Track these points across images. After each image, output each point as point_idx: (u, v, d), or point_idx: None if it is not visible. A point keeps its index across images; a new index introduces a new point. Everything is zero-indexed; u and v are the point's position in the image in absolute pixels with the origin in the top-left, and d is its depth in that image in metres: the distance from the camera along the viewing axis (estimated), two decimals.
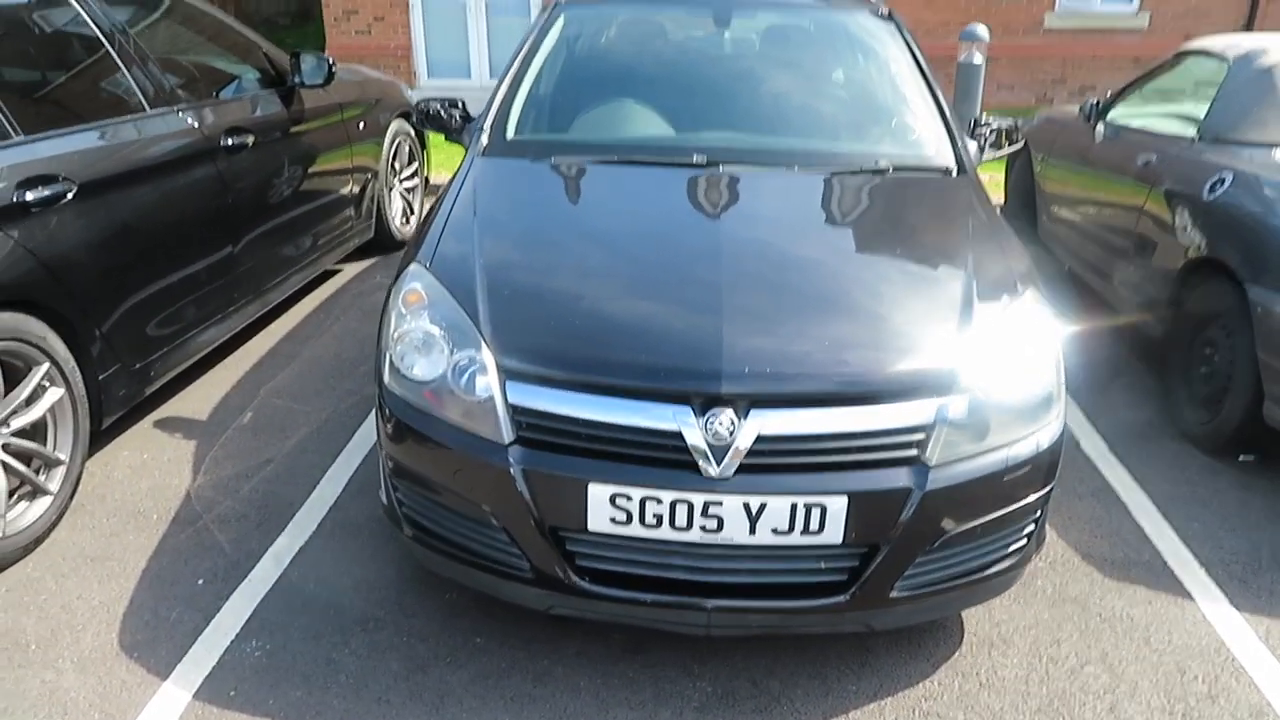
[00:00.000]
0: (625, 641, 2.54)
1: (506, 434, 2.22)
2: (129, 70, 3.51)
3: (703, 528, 2.15)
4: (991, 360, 2.29)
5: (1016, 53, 10.34)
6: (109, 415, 3.27)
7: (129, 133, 3.38)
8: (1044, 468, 2.33)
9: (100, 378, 3.17)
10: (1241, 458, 3.52)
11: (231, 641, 2.53)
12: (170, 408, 3.79)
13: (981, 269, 2.58)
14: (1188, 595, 2.80)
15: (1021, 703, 2.38)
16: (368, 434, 3.60)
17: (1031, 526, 2.40)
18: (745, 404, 2.14)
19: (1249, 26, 9.93)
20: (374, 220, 5.51)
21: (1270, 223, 3.29)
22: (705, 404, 2.14)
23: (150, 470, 3.35)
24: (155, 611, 2.64)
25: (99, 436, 3.34)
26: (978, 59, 7.11)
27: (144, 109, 3.50)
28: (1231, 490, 3.36)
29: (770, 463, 2.14)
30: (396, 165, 5.81)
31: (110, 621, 2.60)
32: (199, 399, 3.87)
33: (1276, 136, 3.69)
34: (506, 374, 2.25)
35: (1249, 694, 2.42)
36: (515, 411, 2.23)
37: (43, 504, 2.94)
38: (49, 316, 2.94)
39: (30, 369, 2.88)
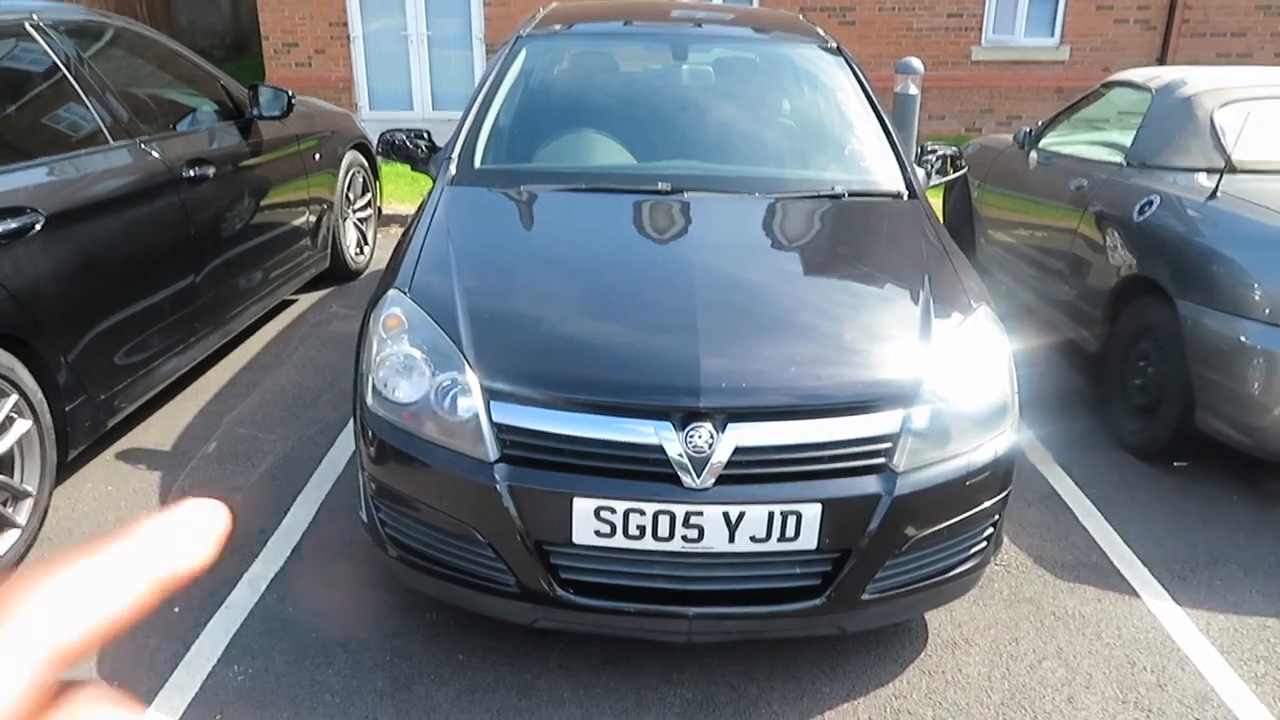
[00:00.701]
0: (606, 652, 2.61)
1: (492, 452, 2.29)
2: (92, 103, 3.52)
3: (684, 537, 2.24)
4: (950, 372, 2.43)
5: (946, 84, 10.72)
6: (75, 447, 3.25)
7: (95, 164, 3.39)
8: (1001, 473, 2.47)
9: (67, 409, 3.16)
10: (1176, 464, 3.73)
11: (213, 667, 2.54)
12: (133, 439, 3.77)
13: (937, 287, 2.73)
14: (1134, 593, 2.96)
15: (985, 697, 2.50)
16: (336, 460, 3.62)
17: (990, 530, 2.53)
18: (723, 418, 2.25)
19: (1161, 61, 10.46)
20: (330, 250, 5.53)
21: (1196, 241, 3.52)
22: (685, 419, 2.24)
23: (116, 502, 3.34)
24: (132, 641, 2.64)
25: (63, 469, 3.31)
26: (913, 90, 7.39)
27: (108, 141, 3.51)
28: (1169, 494, 3.55)
29: (748, 473, 2.25)
30: (350, 196, 5.84)
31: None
32: (162, 430, 3.86)
33: (1198, 161, 3.94)
34: (491, 394, 2.32)
35: (1194, 681, 2.58)
36: (500, 430, 2.30)
37: (10, 537, 2.92)
38: (16, 348, 2.93)
39: None
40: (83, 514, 3.25)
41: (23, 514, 2.96)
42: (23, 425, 2.94)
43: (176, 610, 2.77)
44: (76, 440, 3.25)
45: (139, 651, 2.59)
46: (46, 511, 3.08)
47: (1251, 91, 4.06)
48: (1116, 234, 4.03)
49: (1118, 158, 4.35)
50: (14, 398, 2.88)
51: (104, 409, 3.39)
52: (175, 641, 2.64)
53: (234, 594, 2.84)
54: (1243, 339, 3.25)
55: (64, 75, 3.45)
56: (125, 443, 3.75)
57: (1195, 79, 4.21)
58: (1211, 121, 3.98)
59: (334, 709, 2.40)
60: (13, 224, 2.90)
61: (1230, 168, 3.70)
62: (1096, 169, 4.45)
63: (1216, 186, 3.62)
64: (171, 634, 2.67)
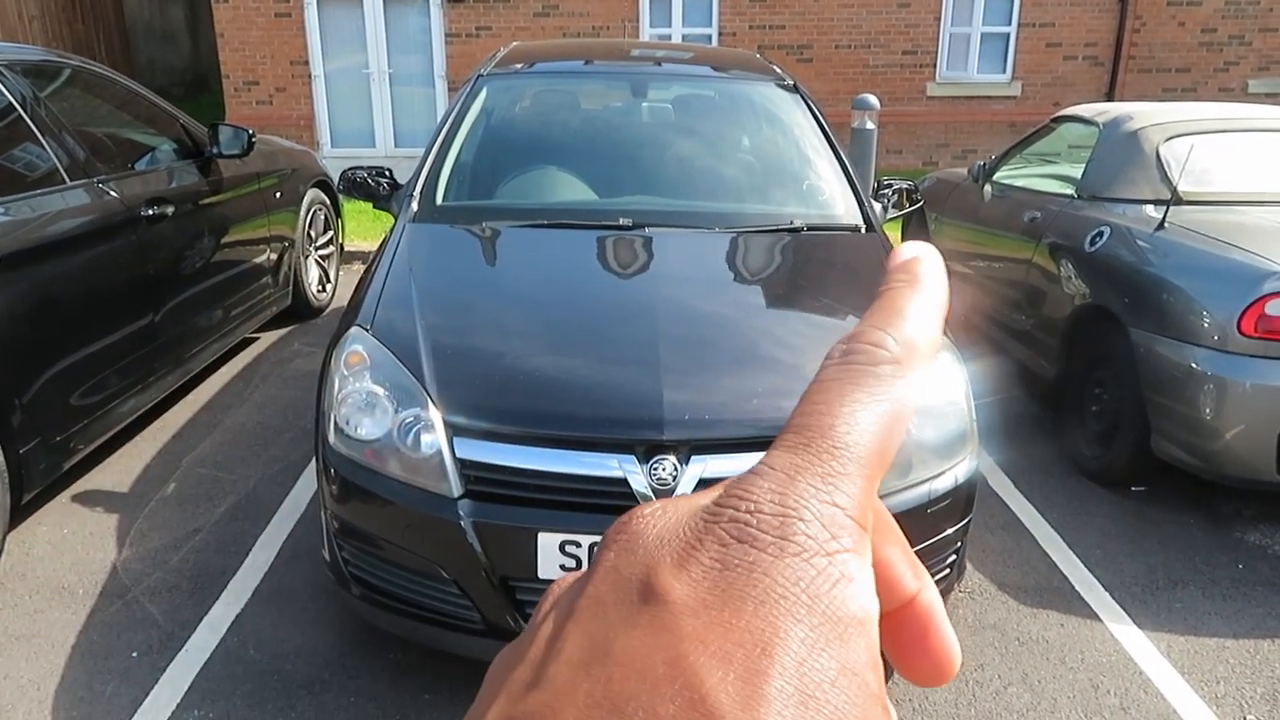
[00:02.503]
0: None
1: (455, 488, 2.28)
2: (49, 142, 3.49)
3: None
4: None
5: (902, 119, 10.93)
6: (29, 489, 3.19)
7: (52, 204, 3.36)
8: (962, 500, 2.50)
9: (21, 451, 3.10)
10: (1134, 489, 3.79)
11: (172, 713, 2.49)
12: (89, 481, 3.71)
13: None
14: (1096, 617, 2.99)
15: None
16: (298, 500, 3.58)
17: (953, 557, 2.56)
18: (686, 450, 2.26)
19: (1110, 95, 10.75)
20: (291, 288, 5.50)
21: (1146, 271, 3.60)
22: (649, 451, 2.25)
23: (72, 545, 3.27)
24: (89, 687, 2.58)
25: (16, 512, 3.24)
26: (870, 125, 7.52)
27: (64, 181, 3.48)
28: (1127, 519, 3.61)
29: None
30: (312, 233, 5.82)
31: (42, 700, 2.53)
32: (119, 471, 3.79)
33: (1145, 193, 4.05)
34: (454, 430, 2.32)
35: (1157, 703, 2.61)
36: (464, 465, 2.29)
37: None
38: None
39: None
40: (37, 558, 3.18)
41: None
42: None
43: (135, 655, 2.71)
44: (31, 483, 3.19)
45: (95, 698, 2.54)
46: (0, 555, 3.02)
47: (1195, 125, 4.18)
48: (1070, 264, 4.12)
49: (1069, 190, 4.46)
50: None
51: (60, 451, 3.34)
52: (133, 688, 2.58)
53: (194, 637, 2.79)
54: (1194, 365, 3.33)
55: (20, 115, 3.43)
56: (82, 484, 3.68)
57: (1141, 114, 4.33)
58: (1157, 155, 4.10)
59: None
60: None
61: (1176, 199, 3.80)
62: (1049, 201, 4.55)
63: (1164, 217, 3.72)
64: (129, 680, 2.61)
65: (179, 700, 2.53)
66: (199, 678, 2.62)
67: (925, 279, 0.31)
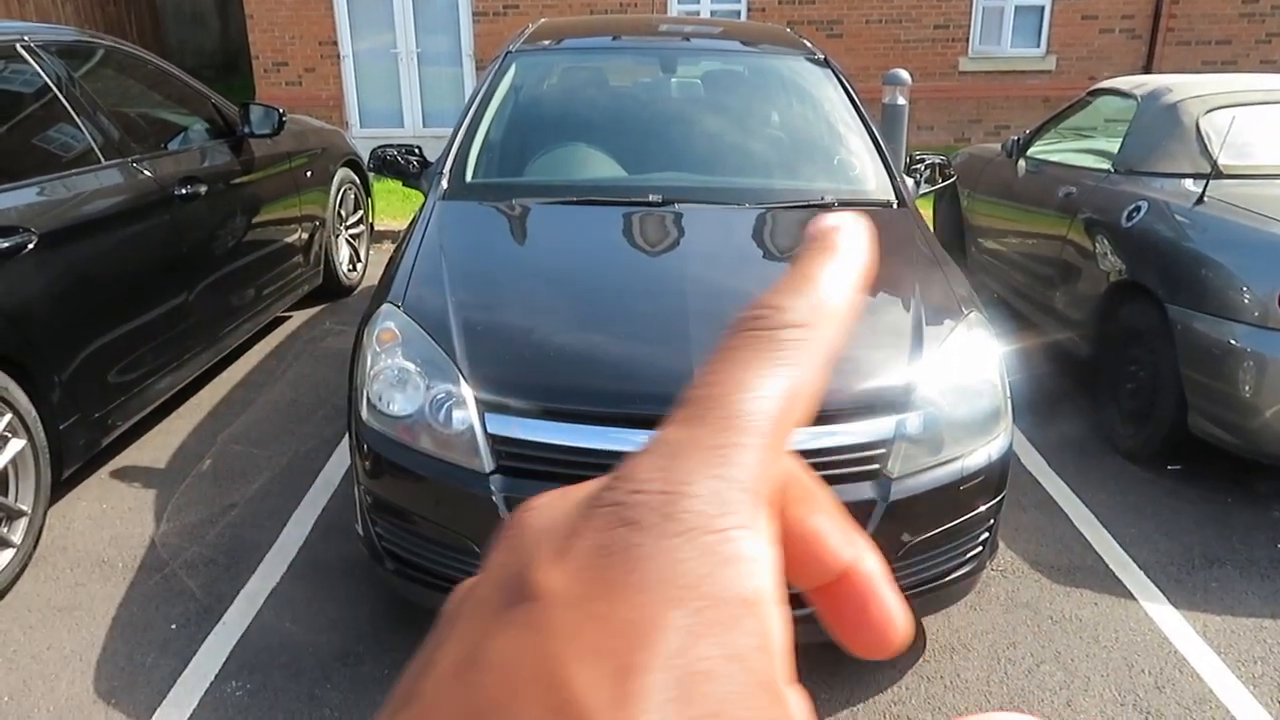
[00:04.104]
0: None
1: (487, 463, 2.29)
2: (84, 122, 3.52)
3: None
4: (943, 378, 2.44)
5: (934, 95, 10.79)
6: (69, 465, 3.25)
7: (87, 184, 3.39)
8: (995, 477, 2.48)
9: (61, 427, 3.15)
10: (1170, 467, 3.75)
11: (211, 683, 2.54)
12: (127, 457, 3.76)
13: (928, 294, 2.75)
14: (1130, 596, 2.97)
15: (984, 702, 2.50)
16: (331, 476, 3.61)
17: (986, 534, 2.54)
18: None
19: (1147, 69, 10.54)
20: (322, 267, 5.54)
21: (1184, 246, 3.54)
22: None
23: (111, 520, 3.33)
24: (130, 658, 2.63)
25: (57, 487, 3.29)
26: (901, 100, 7.43)
27: (99, 160, 3.52)
28: (1163, 498, 3.57)
29: None
30: (342, 213, 5.85)
31: (84, 670, 2.58)
32: (156, 448, 3.85)
33: (1185, 167, 3.98)
34: (485, 406, 2.33)
35: (1192, 683, 2.58)
36: (495, 441, 2.30)
37: (5, 556, 2.91)
38: (10, 367, 2.93)
39: None
40: (78, 532, 3.24)
41: (17, 533, 2.95)
42: (17, 444, 2.93)
43: (174, 627, 2.76)
44: (71, 459, 3.25)
45: (136, 668, 2.58)
46: (41, 530, 3.07)
47: (1236, 97, 4.10)
48: (1105, 240, 4.05)
49: (1105, 164, 4.38)
50: (8, 417, 2.88)
51: (98, 427, 3.39)
52: (172, 658, 2.63)
53: (231, 610, 2.83)
54: (1233, 342, 3.27)
55: (55, 95, 3.46)
56: (120, 461, 3.74)
57: (1180, 85, 4.25)
58: (1197, 127, 4.02)
59: None
60: (5, 243, 2.90)
61: (1216, 173, 3.73)
62: (1084, 176, 4.48)
63: (1203, 191, 3.65)
64: (169, 651, 2.66)
65: (217, 671, 2.58)
66: (236, 649, 2.67)
67: (842, 246, 0.29)
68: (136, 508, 3.40)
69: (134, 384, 3.58)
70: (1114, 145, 4.40)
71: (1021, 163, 5.21)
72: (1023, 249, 4.99)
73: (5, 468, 2.92)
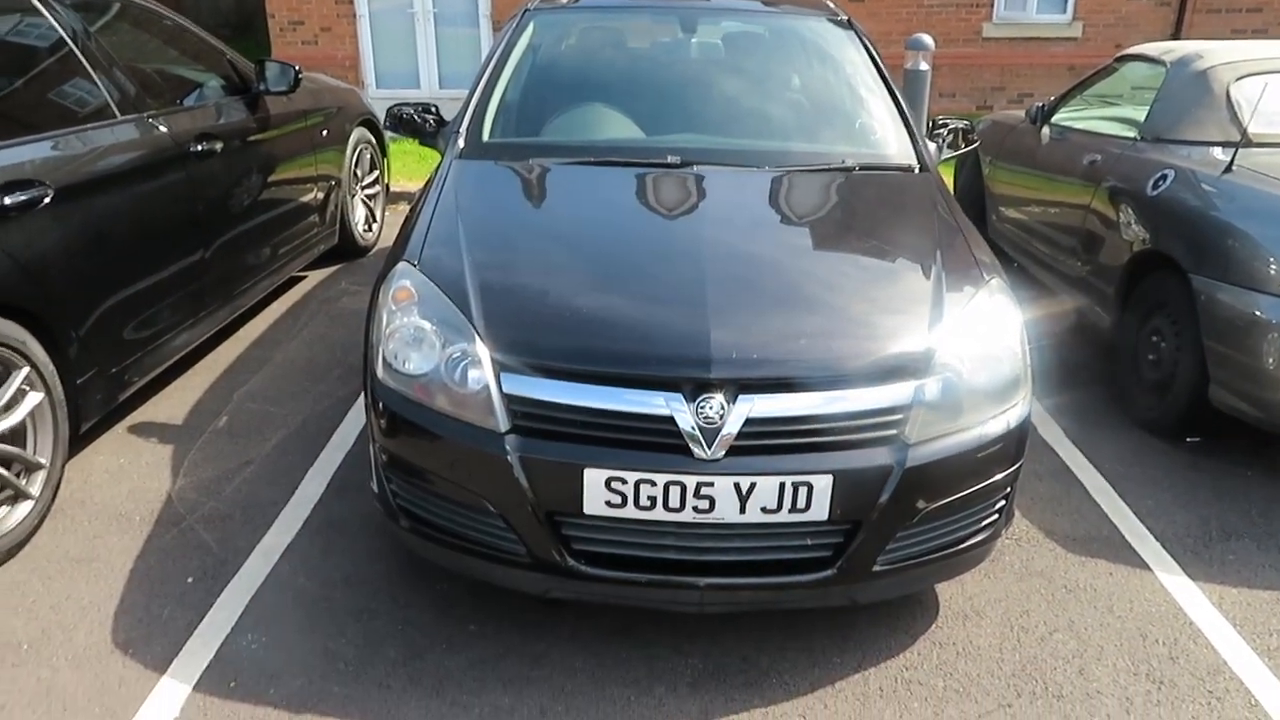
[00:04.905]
0: (617, 623, 2.62)
1: (502, 423, 2.29)
2: (99, 77, 3.50)
3: (695, 508, 2.23)
4: (962, 344, 2.41)
5: (957, 61, 10.64)
6: (86, 420, 3.26)
7: (102, 138, 3.38)
8: (1013, 446, 2.46)
9: (78, 382, 3.17)
10: (1189, 439, 3.71)
11: (227, 636, 2.56)
12: (144, 413, 3.78)
13: (949, 259, 2.71)
14: (1145, 567, 2.95)
15: (996, 669, 2.50)
16: (347, 434, 3.62)
17: (1002, 502, 2.52)
18: (734, 389, 2.24)
19: (1176, 37, 10.35)
20: (338, 227, 5.52)
21: (1210, 216, 3.49)
22: (696, 390, 2.23)
23: (128, 474, 3.35)
24: (147, 609, 2.65)
25: (75, 441, 3.31)
26: (924, 66, 7.33)
27: (115, 115, 3.50)
28: (1181, 470, 3.54)
29: (759, 444, 2.24)
30: (358, 173, 5.83)
31: (101, 620, 2.61)
32: (172, 404, 3.87)
33: (1213, 135, 3.90)
34: (501, 366, 2.32)
35: (1206, 654, 2.57)
36: (510, 401, 2.29)
37: (24, 508, 2.93)
38: (28, 320, 2.93)
39: (9, 373, 2.87)
40: (95, 485, 3.27)
41: (36, 486, 2.97)
42: (35, 398, 2.95)
43: (190, 580, 2.78)
44: (88, 413, 3.26)
45: (153, 620, 2.61)
46: (59, 483, 3.09)
47: (1268, 64, 4.01)
48: (1130, 209, 3.99)
49: (1131, 132, 4.31)
50: (26, 370, 2.89)
51: (115, 382, 3.40)
52: (188, 611, 2.65)
53: (246, 564, 2.85)
54: (1257, 313, 3.23)
55: (71, 49, 3.44)
56: (137, 416, 3.76)
57: (1211, 52, 4.16)
58: (1227, 94, 3.94)
59: (346, 677, 2.41)
60: (22, 196, 2.90)
61: (1246, 141, 3.66)
62: (1110, 144, 4.41)
63: (1232, 160, 3.59)
64: (185, 604, 2.68)
65: (233, 624, 2.60)
66: (252, 603, 2.69)
67: None
68: (154, 462, 3.42)
69: (150, 340, 3.59)
70: (1141, 113, 4.32)
71: (1045, 130, 5.14)
72: (1045, 218, 4.93)
73: (24, 421, 2.93)
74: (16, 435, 2.93)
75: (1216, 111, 3.94)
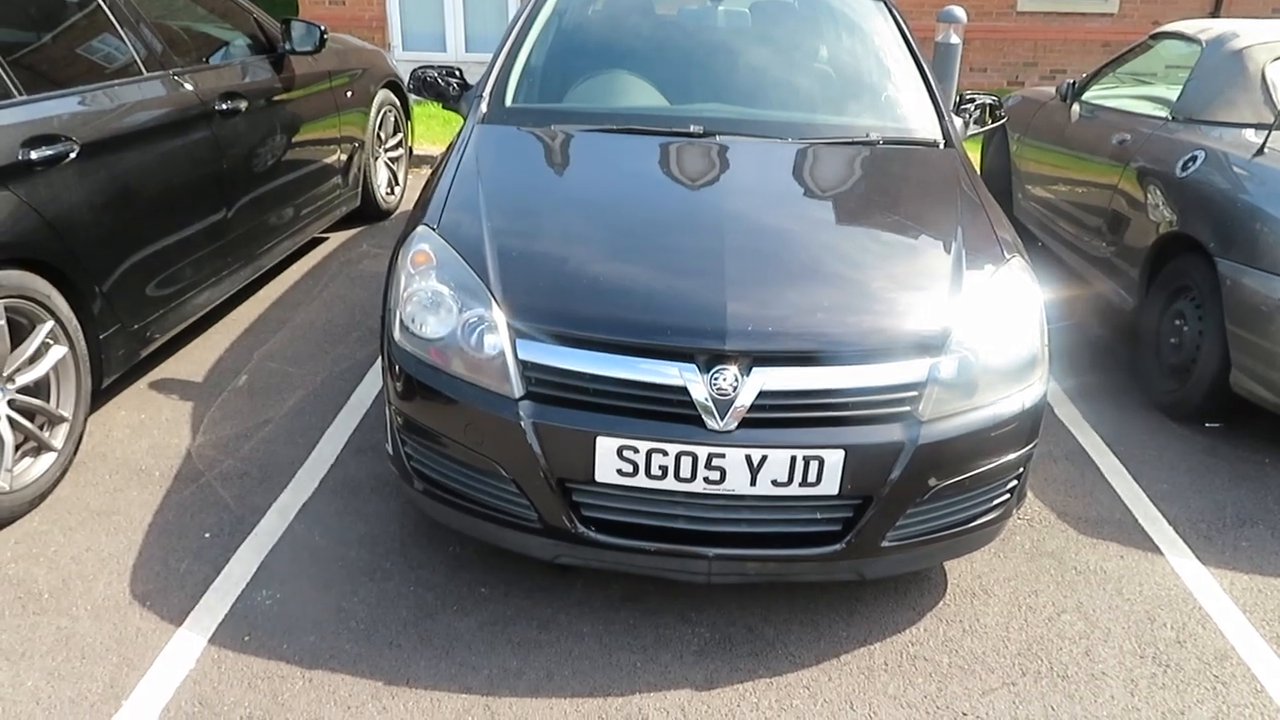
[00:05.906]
0: (626, 590, 2.64)
1: (517, 389, 2.30)
2: (126, 33, 3.52)
3: (706, 479, 2.24)
4: (980, 323, 2.40)
5: (989, 35, 10.47)
6: (109, 375, 3.30)
7: (129, 95, 3.40)
8: (1027, 426, 2.45)
9: (101, 337, 3.21)
10: (1208, 424, 3.69)
11: (242, 591, 2.60)
12: (165, 370, 3.83)
13: (970, 236, 2.69)
14: (1157, 550, 2.94)
15: (1002, 647, 2.51)
16: (364, 396, 3.66)
17: (1014, 482, 2.52)
18: (748, 361, 2.24)
19: (1215, 15, 10.14)
20: (360, 189, 5.53)
21: (1239, 199, 3.44)
22: (710, 361, 2.23)
23: (149, 430, 3.40)
24: (165, 563, 2.70)
25: (97, 396, 3.37)
26: (955, 39, 7.22)
27: (141, 72, 3.52)
28: (1198, 455, 3.52)
29: (771, 417, 2.24)
30: (382, 135, 5.83)
31: (120, 572, 2.66)
32: (193, 362, 3.91)
33: (1246, 116, 3.84)
34: (517, 332, 2.33)
35: (1214, 639, 2.57)
36: (525, 367, 2.31)
37: (47, 460, 2.98)
38: (53, 275, 2.97)
39: (34, 327, 2.91)
40: (116, 440, 3.31)
41: (59, 438, 3.02)
42: (59, 351, 2.99)
43: (207, 535, 2.83)
44: (111, 368, 3.31)
45: (170, 573, 2.66)
46: (82, 437, 3.14)
47: None
48: (1158, 190, 3.94)
49: (1163, 112, 4.24)
50: (50, 324, 2.93)
51: (137, 338, 3.44)
52: (205, 566, 2.70)
53: (263, 522, 2.89)
54: None
55: (99, 5, 3.45)
56: (158, 373, 3.80)
57: (1248, 31, 4.08)
58: (1263, 75, 3.87)
59: (358, 635, 2.45)
60: (48, 151, 2.92)
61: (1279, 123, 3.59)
62: (1140, 123, 4.35)
63: (1264, 142, 3.53)
64: (202, 558, 2.73)
65: (249, 579, 2.64)
66: (268, 559, 2.73)
67: None
68: (174, 419, 3.47)
69: (173, 297, 3.63)
70: (1174, 92, 4.25)
71: (1075, 107, 5.06)
72: (1071, 197, 4.87)
73: (48, 374, 2.98)
74: (40, 388, 2.98)
75: (1251, 93, 3.87)
